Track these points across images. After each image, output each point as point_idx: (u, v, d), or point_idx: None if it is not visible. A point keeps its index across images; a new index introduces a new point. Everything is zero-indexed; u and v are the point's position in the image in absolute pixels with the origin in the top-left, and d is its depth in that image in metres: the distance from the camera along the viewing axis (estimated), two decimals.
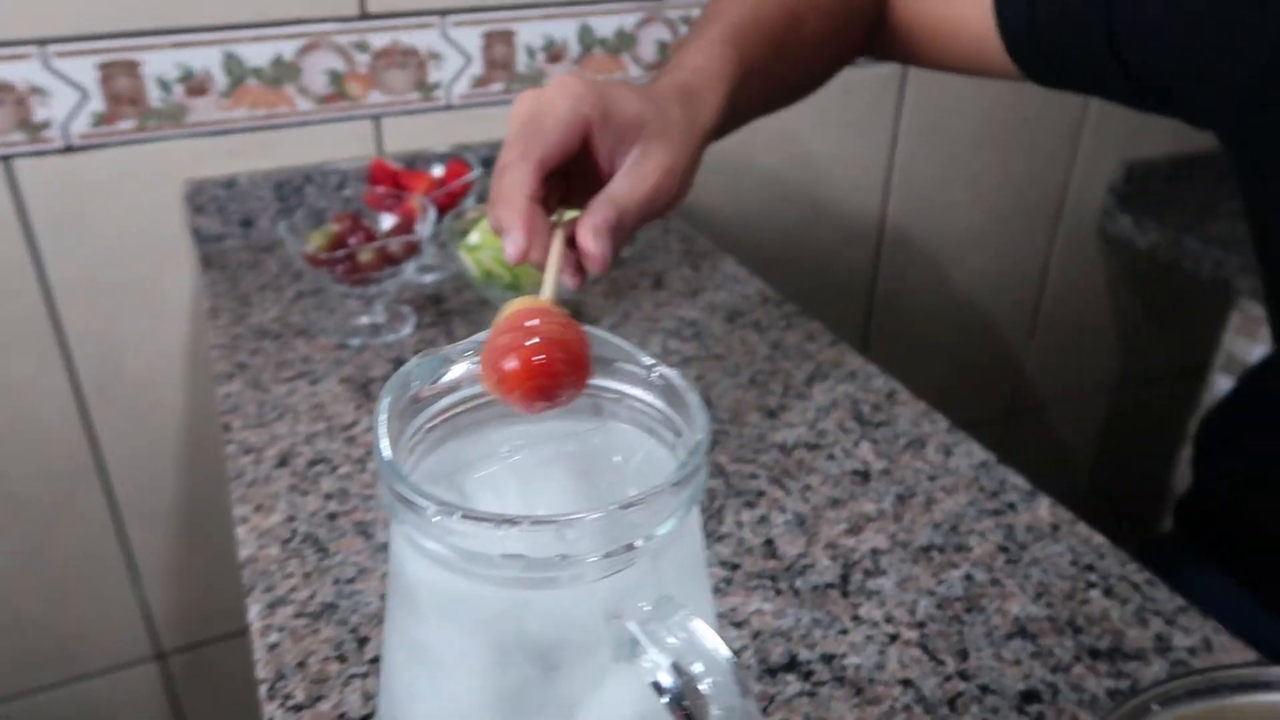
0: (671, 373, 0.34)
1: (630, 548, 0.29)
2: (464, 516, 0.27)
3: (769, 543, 0.61)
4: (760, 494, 0.65)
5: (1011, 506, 0.64)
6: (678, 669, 0.28)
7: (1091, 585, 0.58)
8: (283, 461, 0.67)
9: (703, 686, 0.28)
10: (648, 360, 0.34)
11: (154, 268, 1.01)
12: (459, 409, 0.34)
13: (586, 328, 0.35)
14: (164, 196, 0.98)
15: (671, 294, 0.92)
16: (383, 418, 0.30)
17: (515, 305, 0.36)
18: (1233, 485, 0.77)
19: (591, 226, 0.45)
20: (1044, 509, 0.64)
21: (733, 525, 0.62)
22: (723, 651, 0.28)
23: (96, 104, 0.93)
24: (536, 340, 0.32)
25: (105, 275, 0.99)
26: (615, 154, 0.49)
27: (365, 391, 0.75)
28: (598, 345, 0.35)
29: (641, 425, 0.34)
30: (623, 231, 0.46)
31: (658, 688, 0.28)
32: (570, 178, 0.50)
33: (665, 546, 0.30)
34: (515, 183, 0.45)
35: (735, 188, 1.27)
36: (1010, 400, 1.68)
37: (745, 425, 0.72)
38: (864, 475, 0.67)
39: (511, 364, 0.32)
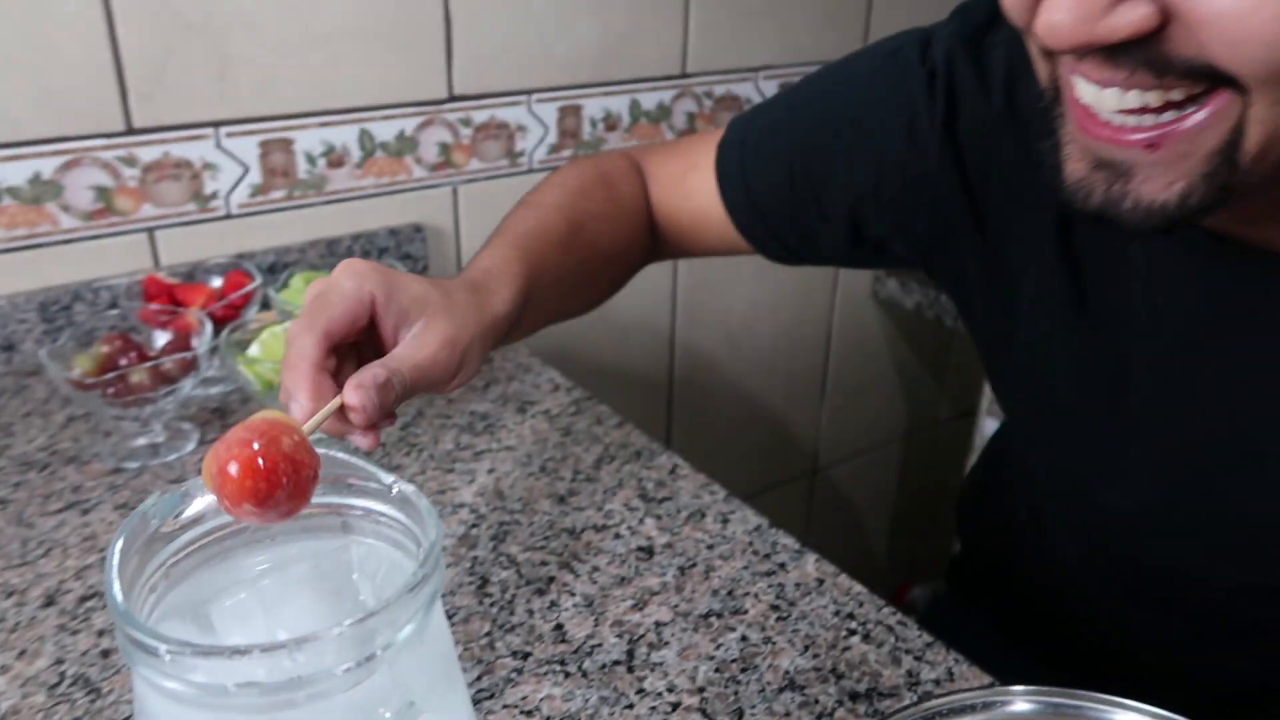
0: (409, 488, 0.36)
1: (370, 659, 0.31)
2: (194, 653, 0.28)
3: (559, 627, 0.63)
4: (550, 580, 0.67)
5: (782, 566, 0.69)
6: None
7: (852, 632, 0.63)
8: (49, 601, 0.64)
9: None
10: (387, 478, 0.37)
11: None
12: (205, 540, 0.35)
13: (329, 451, 0.37)
14: None
15: (464, 389, 0.94)
16: (114, 560, 0.31)
17: (260, 415, 0.37)
18: (992, 548, 0.85)
19: (356, 381, 0.47)
20: (810, 565, 0.70)
21: (524, 614, 0.64)
22: None
23: None
24: (258, 445, 0.33)
25: None
26: (399, 329, 0.52)
27: None
28: (340, 467, 0.37)
29: (386, 539, 0.36)
30: (389, 391, 0.48)
31: None
32: (362, 354, 0.52)
33: (406, 652, 0.32)
34: (301, 351, 0.48)
35: None
36: (814, 459, 1.78)
37: (536, 513, 0.75)
38: (648, 551, 0.71)
39: (230, 464, 0.33)
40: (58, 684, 0.57)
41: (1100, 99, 0.41)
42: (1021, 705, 0.44)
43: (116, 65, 0.95)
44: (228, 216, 1.06)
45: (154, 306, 0.86)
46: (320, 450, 0.37)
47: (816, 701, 0.57)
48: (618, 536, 0.72)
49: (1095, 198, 0.43)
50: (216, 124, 1.03)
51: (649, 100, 1.34)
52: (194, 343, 0.81)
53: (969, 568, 0.90)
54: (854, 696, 0.58)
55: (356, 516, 0.37)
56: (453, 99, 1.17)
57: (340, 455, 0.37)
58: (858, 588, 0.67)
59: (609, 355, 1.43)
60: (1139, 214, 0.42)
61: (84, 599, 0.64)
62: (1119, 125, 0.41)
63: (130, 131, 0.98)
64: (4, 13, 0.89)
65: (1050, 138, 0.45)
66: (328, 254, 1.11)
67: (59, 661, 0.59)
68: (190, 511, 0.35)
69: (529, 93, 1.23)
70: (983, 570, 0.87)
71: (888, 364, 1.80)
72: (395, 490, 0.36)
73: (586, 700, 0.57)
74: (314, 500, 0.37)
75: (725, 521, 0.74)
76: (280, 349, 0.79)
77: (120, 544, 0.32)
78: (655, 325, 1.47)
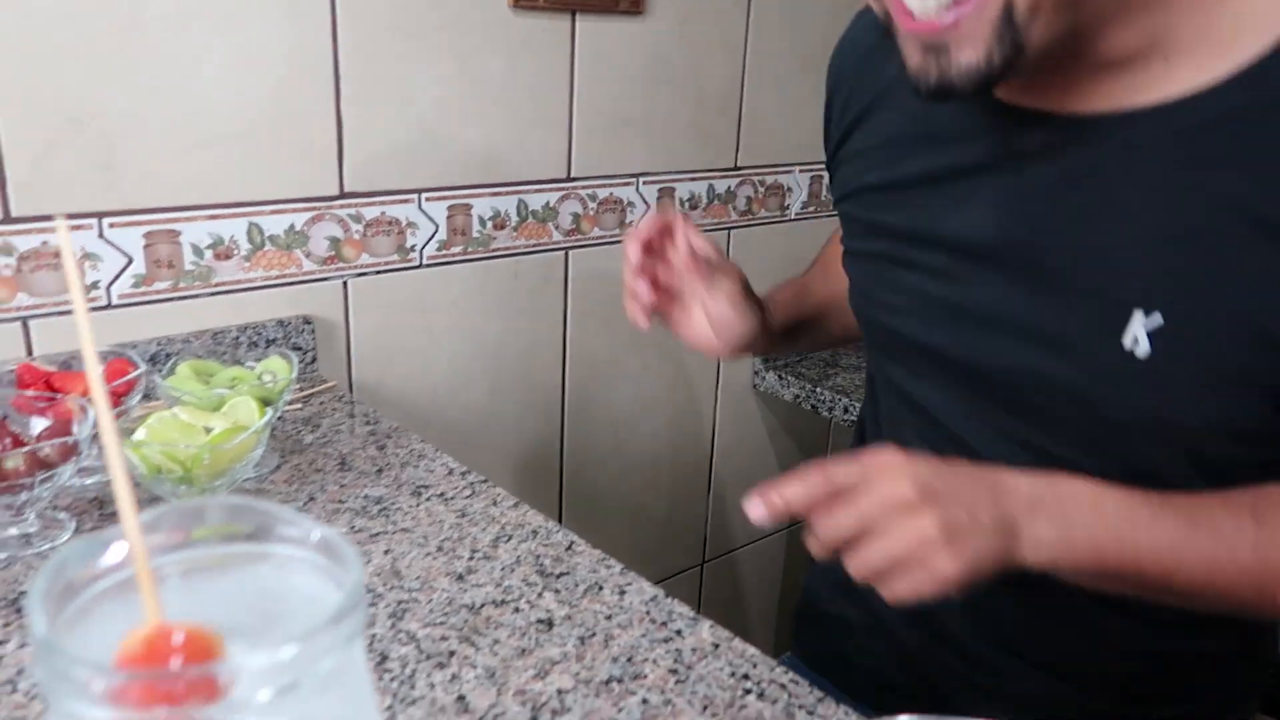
0: (330, 532, 0.37)
1: (292, 686, 0.31)
2: (125, 678, 0.29)
3: (461, 698, 0.63)
4: (451, 653, 0.67)
5: (679, 633, 0.71)
6: None
7: (748, 692, 0.65)
8: None
9: None
10: (307, 524, 0.38)
11: None
12: (121, 583, 0.35)
13: (250, 501, 0.38)
14: None
15: (357, 474, 0.94)
16: (37, 598, 0.31)
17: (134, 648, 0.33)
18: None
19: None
20: (705, 630, 0.72)
21: (425, 688, 0.64)
22: None
23: None
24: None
25: None
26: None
27: (15, 607, 0.70)
28: (259, 515, 0.38)
29: (307, 582, 0.37)
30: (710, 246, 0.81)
31: None
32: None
33: (329, 686, 0.33)
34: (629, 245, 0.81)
35: (423, 372, 1.32)
36: (705, 549, 1.81)
37: (435, 591, 0.75)
38: (548, 623, 0.72)
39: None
40: None
41: (920, 5, 0.56)
42: None
43: None
44: (108, 306, 1.05)
45: (30, 394, 0.84)
46: (240, 500, 0.38)
47: None
48: (517, 610, 0.73)
49: (932, 75, 0.58)
50: (100, 214, 1.02)
51: (536, 201, 1.39)
52: (75, 428, 0.79)
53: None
54: None
55: (276, 561, 0.38)
56: (344, 195, 1.20)
57: (261, 504, 0.38)
58: (751, 650, 0.70)
59: (500, 448, 1.44)
60: (963, 78, 0.57)
61: None
62: (934, 18, 0.56)
63: (7, 220, 0.97)
64: None
65: (897, 54, 0.61)
66: (214, 345, 1.10)
67: None
68: (106, 560, 0.35)
69: (419, 191, 1.27)
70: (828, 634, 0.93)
71: (770, 455, 1.86)
72: (316, 536, 0.37)
73: None
74: (235, 548, 0.38)
75: (622, 593, 0.76)
76: (168, 434, 0.78)
77: (42, 583, 0.32)
78: (546, 417, 1.50)
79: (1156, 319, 0.58)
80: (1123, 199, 0.60)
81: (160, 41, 1.01)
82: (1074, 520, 0.58)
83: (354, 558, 0.36)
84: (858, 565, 0.57)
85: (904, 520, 0.55)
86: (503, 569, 0.79)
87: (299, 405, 1.08)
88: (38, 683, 0.30)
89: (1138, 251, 0.59)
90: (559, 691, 0.64)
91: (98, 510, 0.84)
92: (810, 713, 0.63)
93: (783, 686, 0.66)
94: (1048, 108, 0.63)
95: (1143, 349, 0.59)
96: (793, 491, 0.58)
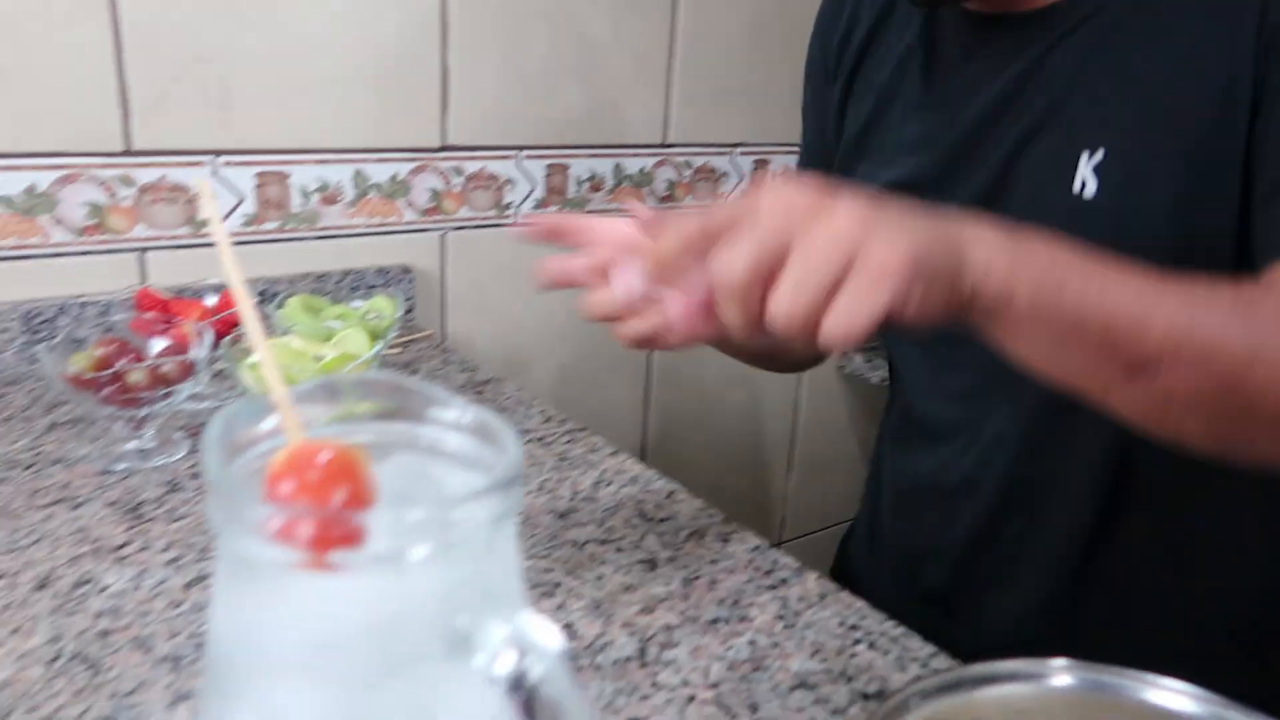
0: (483, 411, 0.37)
1: (454, 545, 0.31)
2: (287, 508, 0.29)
3: (568, 626, 0.63)
4: (557, 585, 0.67)
5: (784, 581, 0.70)
6: (511, 658, 0.30)
7: (858, 641, 0.64)
8: (42, 585, 0.62)
9: (535, 676, 0.30)
10: (459, 403, 0.37)
11: None
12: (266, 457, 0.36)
13: (391, 377, 0.38)
14: None
15: None
16: (213, 442, 0.31)
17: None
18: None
19: None
20: (811, 582, 0.70)
21: None
22: (553, 642, 0.31)
23: None
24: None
25: None
26: None
27: (136, 514, 0.71)
28: (412, 392, 0.38)
29: (462, 462, 0.37)
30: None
31: (493, 680, 0.30)
32: None
33: (488, 553, 0.33)
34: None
35: (513, 329, 1.33)
36: (781, 530, 1.79)
37: (538, 527, 0.75)
38: (652, 564, 0.71)
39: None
40: (55, 659, 0.55)
41: None
42: (1063, 679, 0.45)
43: (121, 88, 0.97)
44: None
45: (149, 315, 0.86)
46: (389, 376, 0.38)
47: (829, 700, 0.58)
48: (620, 550, 0.73)
49: None
50: (215, 152, 1.04)
51: (632, 165, 1.39)
52: (192, 350, 0.81)
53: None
54: (865, 696, 0.58)
55: (426, 443, 0.38)
56: (445, 149, 1.21)
57: (408, 380, 0.38)
58: (860, 603, 0.68)
59: (585, 410, 1.44)
60: None
61: (78, 584, 0.62)
62: None
63: (129, 153, 0.99)
64: (13, 27, 0.90)
65: None
66: (316, 288, 1.12)
67: (55, 639, 0.57)
68: (269, 425, 0.35)
69: (519, 149, 1.27)
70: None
71: (852, 439, 1.83)
72: (468, 417, 0.37)
73: (602, 690, 0.57)
74: (383, 425, 0.38)
75: (725, 540, 0.75)
76: (281, 357, 0.80)
77: (216, 431, 0.32)
78: (633, 383, 1.49)
79: (1100, 155, 0.62)
80: (1076, 63, 0.65)
81: None
82: (1030, 252, 0.47)
83: (512, 437, 0.35)
84: (777, 300, 0.43)
85: (815, 223, 0.43)
86: (604, 510, 0.78)
87: (398, 350, 1.10)
88: (209, 524, 0.30)
89: (1086, 101, 0.64)
90: (666, 627, 0.64)
91: None
92: (924, 665, 0.62)
93: (894, 639, 0.64)
94: (1008, 9, 0.70)
95: (1089, 190, 0.62)
96: (665, 244, 0.46)
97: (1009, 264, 0.46)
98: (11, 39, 0.90)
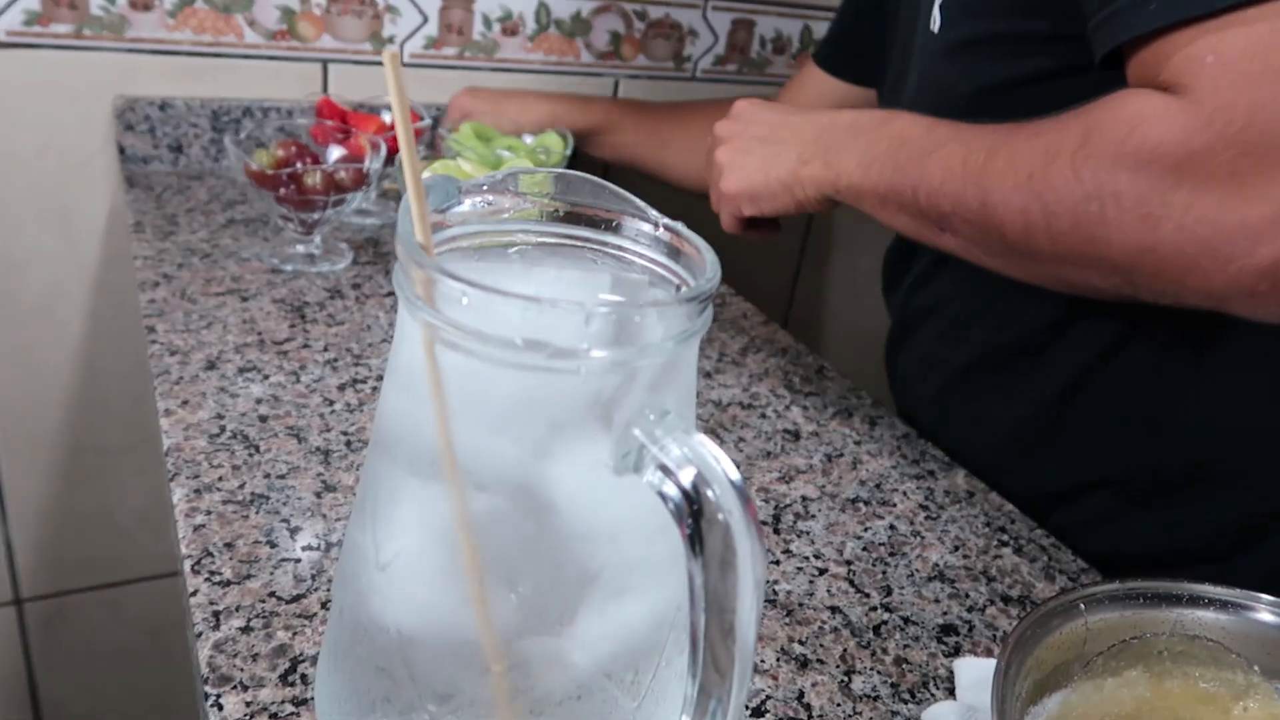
0: (677, 225, 0.35)
1: (643, 351, 0.30)
2: (498, 295, 0.27)
3: None
4: None
5: (931, 473, 0.67)
6: (685, 478, 0.29)
7: (1004, 544, 0.61)
8: (211, 365, 0.65)
9: (710, 497, 0.28)
10: (653, 214, 0.35)
11: (68, 183, 0.96)
12: (461, 243, 0.35)
13: (593, 179, 0.36)
14: (91, 109, 0.95)
15: None
16: (411, 209, 0.30)
17: None
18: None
19: None
20: (960, 478, 0.67)
21: None
22: (729, 469, 0.29)
23: (31, 1, 0.89)
24: None
25: (10, 187, 0.94)
26: None
27: (300, 313, 0.73)
28: (605, 198, 0.36)
29: (650, 276, 0.35)
30: None
31: (663, 497, 0.29)
32: None
33: (669, 371, 0.31)
34: None
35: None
36: None
37: None
38: (794, 435, 0.69)
39: None
40: (218, 434, 0.58)
41: None
42: (1257, 614, 0.41)
43: None
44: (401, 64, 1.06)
45: (328, 124, 0.87)
46: (587, 176, 0.36)
47: (967, 596, 0.55)
48: (764, 417, 0.71)
49: None
50: None
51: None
52: (367, 161, 0.81)
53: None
54: (1005, 599, 0.56)
55: (614, 252, 0.36)
56: None
57: (604, 183, 0.36)
58: (1009, 506, 0.65)
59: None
60: None
61: (243, 370, 0.65)
62: None
63: None
64: None
65: None
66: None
67: (219, 416, 0.60)
68: (460, 209, 0.34)
69: None
70: None
71: None
72: (661, 229, 0.35)
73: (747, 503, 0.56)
74: (572, 229, 0.36)
75: (873, 424, 0.72)
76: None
77: (410, 200, 0.31)
78: (781, 265, 1.45)
79: None
80: None
81: None
82: (854, 146, 0.60)
83: (710, 255, 0.33)
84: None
85: (715, 150, 0.68)
86: (750, 376, 0.76)
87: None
88: (401, 292, 0.30)
89: None
90: (803, 498, 0.62)
91: (373, 248, 0.87)
92: (1072, 579, 0.58)
93: (1043, 548, 0.61)
94: None
95: (936, 23, 0.65)
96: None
97: (829, 170, 0.61)
98: None
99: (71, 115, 0.94)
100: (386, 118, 0.96)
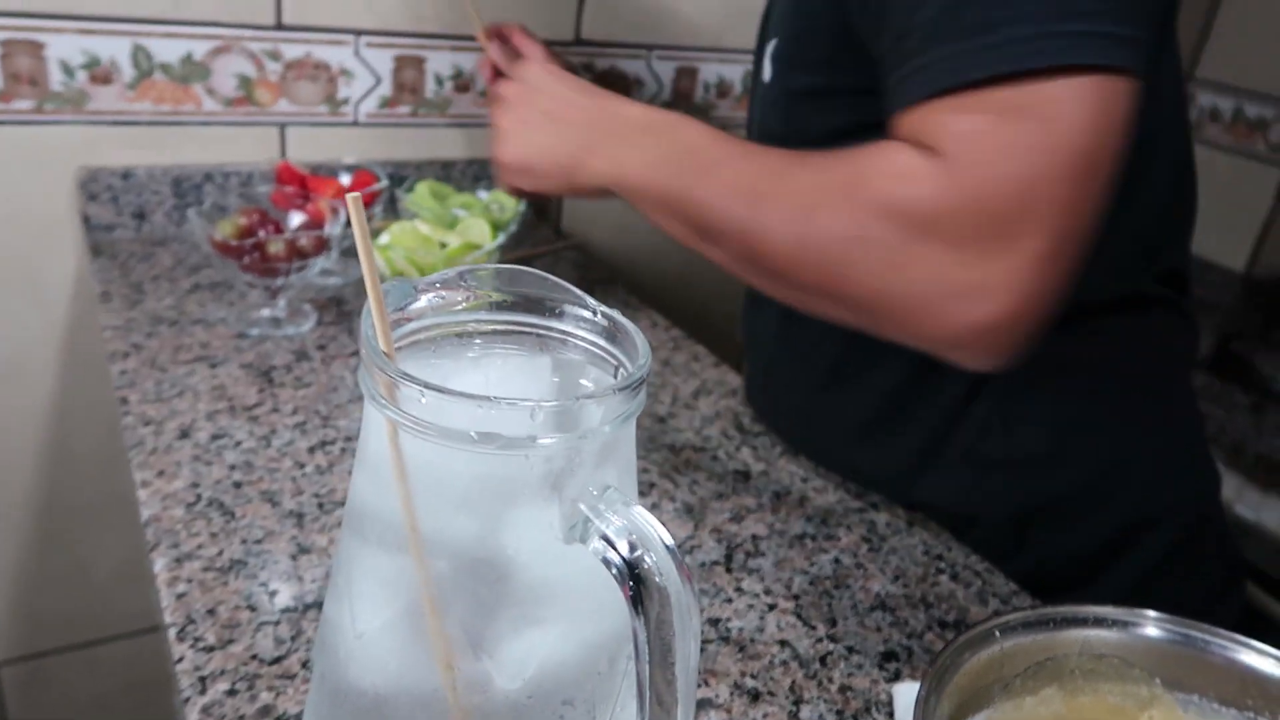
0: (613, 312, 0.39)
1: (584, 436, 0.33)
2: (452, 395, 0.31)
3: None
4: (652, 485, 0.70)
5: (874, 505, 0.71)
6: (625, 547, 0.32)
7: (940, 571, 0.65)
8: (184, 434, 0.68)
9: (647, 563, 0.32)
10: (591, 302, 0.39)
11: (34, 251, 0.99)
12: (424, 333, 0.38)
13: (536, 272, 0.40)
14: (55, 181, 0.97)
15: None
16: (373, 318, 0.34)
17: None
18: None
19: None
20: (900, 509, 0.71)
21: None
22: (663, 535, 0.33)
23: None
24: None
25: None
26: None
27: (268, 377, 0.76)
28: (547, 289, 0.40)
29: (588, 358, 0.39)
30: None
31: (606, 563, 0.33)
32: None
33: (609, 449, 0.35)
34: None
35: (626, 230, 1.34)
36: None
37: (638, 429, 0.77)
38: (745, 475, 0.73)
39: None
40: (194, 503, 0.61)
41: None
42: (1152, 630, 0.46)
43: None
44: (355, 123, 1.10)
45: (288, 189, 0.90)
46: (530, 270, 0.40)
47: (907, 623, 0.59)
48: (715, 459, 0.75)
49: None
50: (358, 32, 1.07)
51: (709, 72, 1.34)
52: (328, 226, 0.85)
53: None
54: (943, 624, 0.60)
55: (556, 338, 0.40)
56: (579, 42, 1.20)
57: (549, 276, 0.40)
58: (946, 534, 0.69)
59: (692, 316, 1.45)
60: None
61: (215, 437, 0.68)
62: None
63: (279, 27, 1.02)
64: None
65: None
66: (443, 175, 1.15)
67: (195, 485, 0.62)
68: (417, 305, 0.38)
69: (650, 48, 1.26)
70: None
71: None
72: (599, 315, 0.39)
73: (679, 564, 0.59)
74: (518, 317, 0.40)
75: (818, 462, 0.76)
76: (409, 242, 0.83)
77: (370, 302, 0.34)
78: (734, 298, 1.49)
79: (774, 43, 0.67)
80: None
81: None
82: (639, 146, 0.61)
83: (642, 341, 0.37)
84: None
85: (497, 111, 0.70)
86: (702, 419, 0.80)
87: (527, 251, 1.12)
88: (365, 390, 0.33)
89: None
90: (753, 537, 0.66)
91: (336, 307, 0.90)
92: (1004, 601, 0.63)
93: (977, 573, 0.65)
94: None
95: (767, 73, 0.68)
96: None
97: (613, 165, 0.61)
98: None
99: (35, 186, 0.96)
100: (344, 179, 0.99)
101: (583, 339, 0.39)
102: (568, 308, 0.40)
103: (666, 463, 0.73)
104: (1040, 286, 0.46)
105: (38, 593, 1.13)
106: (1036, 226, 0.45)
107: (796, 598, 0.60)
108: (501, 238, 0.85)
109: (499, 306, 0.40)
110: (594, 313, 0.39)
